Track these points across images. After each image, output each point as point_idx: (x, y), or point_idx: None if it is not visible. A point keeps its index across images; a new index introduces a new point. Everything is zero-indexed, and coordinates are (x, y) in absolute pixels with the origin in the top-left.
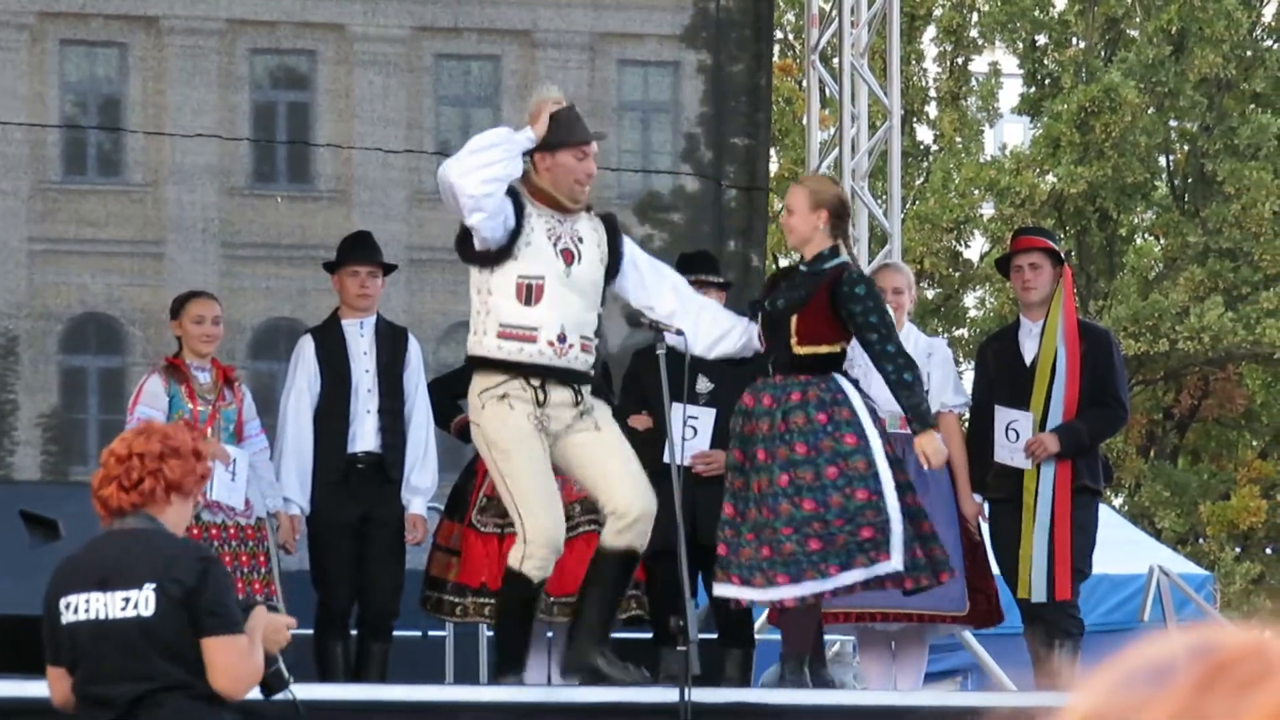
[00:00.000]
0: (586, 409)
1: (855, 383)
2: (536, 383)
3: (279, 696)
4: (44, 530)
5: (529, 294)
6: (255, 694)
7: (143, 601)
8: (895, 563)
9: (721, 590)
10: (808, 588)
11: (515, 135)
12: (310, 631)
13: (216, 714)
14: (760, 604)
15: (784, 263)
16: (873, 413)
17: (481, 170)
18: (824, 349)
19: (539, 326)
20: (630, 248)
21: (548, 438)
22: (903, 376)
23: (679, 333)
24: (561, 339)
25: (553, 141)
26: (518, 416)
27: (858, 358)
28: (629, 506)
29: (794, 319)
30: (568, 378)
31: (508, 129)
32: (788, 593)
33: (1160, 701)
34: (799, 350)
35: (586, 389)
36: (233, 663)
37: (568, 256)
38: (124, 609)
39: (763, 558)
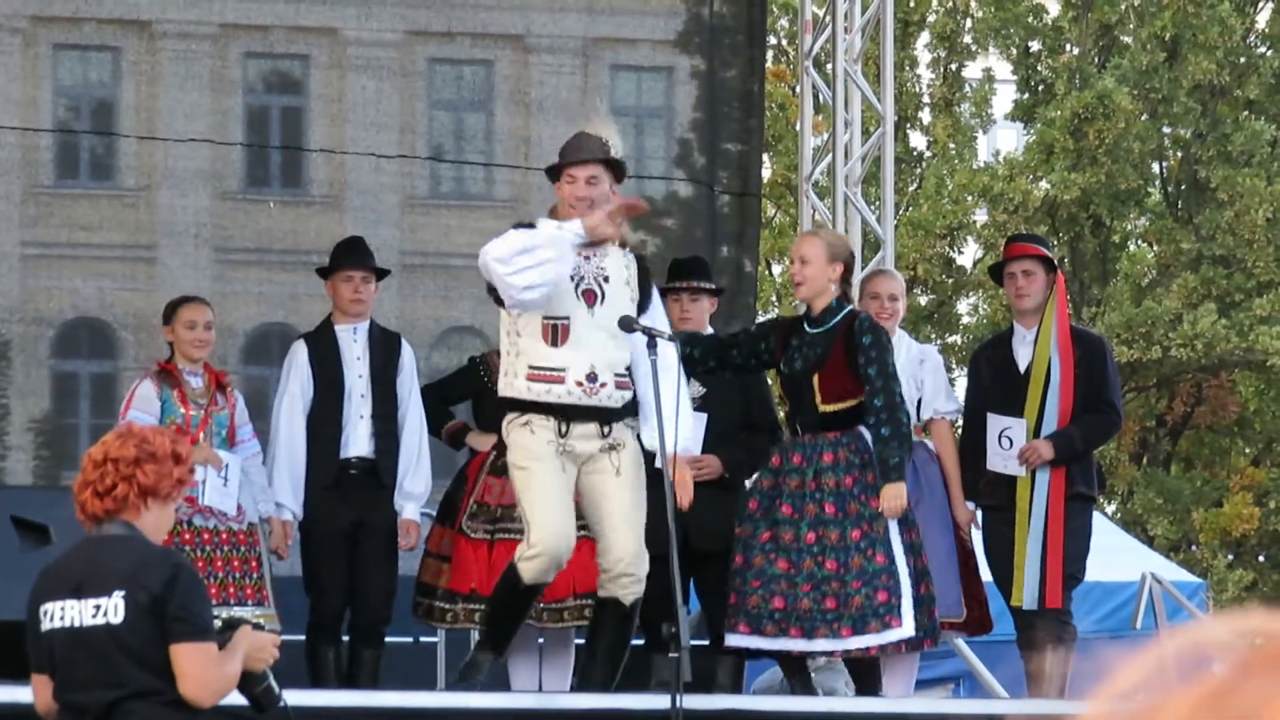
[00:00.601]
0: (615, 444)
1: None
2: (562, 419)
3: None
4: (35, 535)
5: (555, 335)
6: (237, 699)
7: (112, 609)
8: (907, 629)
9: (732, 640)
10: (820, 644)
11: (562, 233)
12: (302, 637)
13: (190, 719)
14: (769, 653)
15: (776, 269)
16: None
17: (528, 273)
18: (849, 403)
19: (567, 367)
20: (655, 298)
21: (574, 462)
22: (880, 431)
23: (671, 338)
24: (592, 378)
25: (554, 169)
26: (539, 440)
27: None
28: (615, 561)
29: (816, 378)
30: (595, 415)
31: (554, 228)
32: (798, 645)
33: (1193, 690)
34: (825, 408)
35: (618, 424)
36: (200, 669)
37: (589, 298)
38: (95, 616)
39: (774, 609)
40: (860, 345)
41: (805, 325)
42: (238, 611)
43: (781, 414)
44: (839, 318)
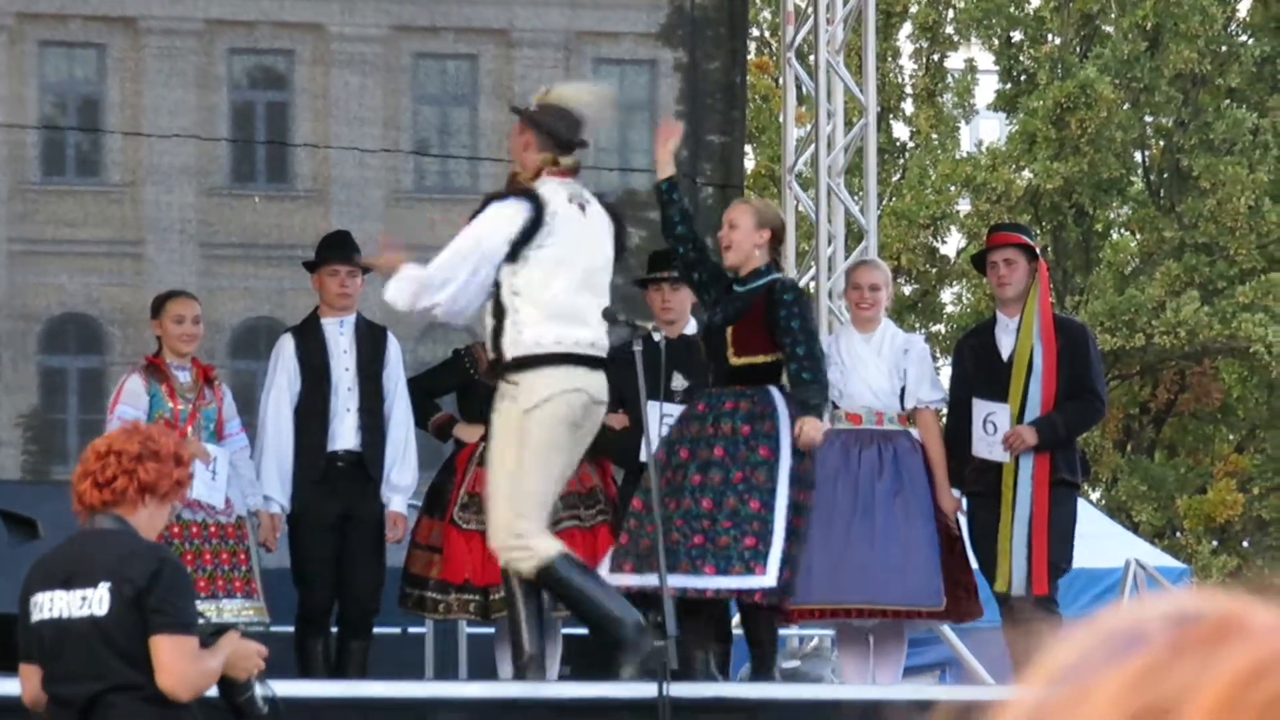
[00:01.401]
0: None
1: (790, 396)
2: None
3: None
4: (23, 529)
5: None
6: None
7: (97, 600)
8: (770, 578)
9: (616, 579)
10: (677, 581)
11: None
12: (291, 629)
13: (171, 715)
14: (633, 589)
15: None
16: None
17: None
18: (759, 359)
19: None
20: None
21: None
22: (800, 375)
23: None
24: None
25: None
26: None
27: (834, 355)
28: None
29: (730, 331)
30: None
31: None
32: (658, 581)
33: (1122, 670)
34: (735, 361)
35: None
36: (177, 662)
37: None
38: (81, 607)
39: (642, 547)
40: (781, 301)
41: (734, 285)
42: (226, 604)
43: None
44: (764, 280)
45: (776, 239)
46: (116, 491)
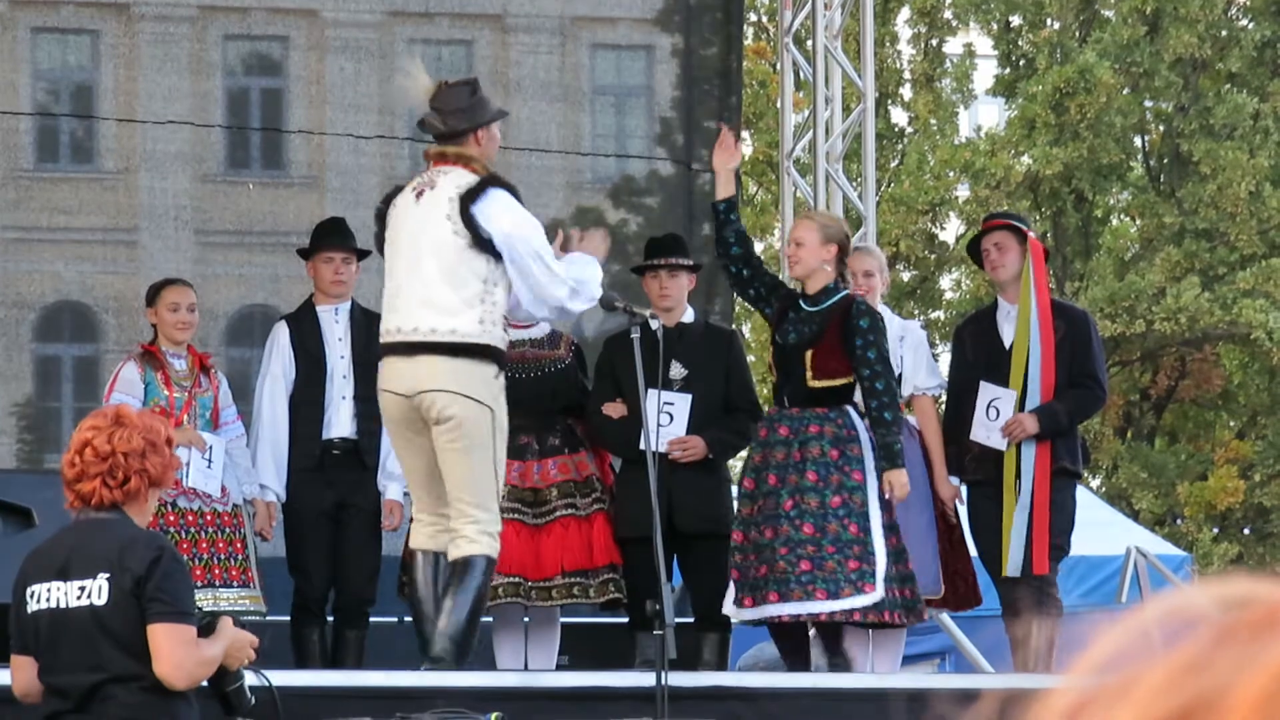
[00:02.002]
0: None
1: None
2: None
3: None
4: (18, 518)
5: (509, 289)
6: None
7: (96, 591)
8: (877, 593)
9: (737, 614)
10: (793, 607)
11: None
12: (287, 618)
13: (170, 705)
14: (749, 622)
15: (759, 246)
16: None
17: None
18: (838, 381)
19: (507, 317)
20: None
21: None
22: (883, 414)
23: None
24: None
25: (489, 118)
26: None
27: None
28: None
29: (809, 354)
30: None
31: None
32: (775, 610)
33: (1168, 657)
34: (814, 384)
35: None
36: (174, 650)
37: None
38: (80, 598)
39: (758, 576)
40: (857, 328)
41: (801, 302)
42: (223, 593)
43: (764, 392)
44: (835, 299)
45: (843, 252)
46: (130, 491)
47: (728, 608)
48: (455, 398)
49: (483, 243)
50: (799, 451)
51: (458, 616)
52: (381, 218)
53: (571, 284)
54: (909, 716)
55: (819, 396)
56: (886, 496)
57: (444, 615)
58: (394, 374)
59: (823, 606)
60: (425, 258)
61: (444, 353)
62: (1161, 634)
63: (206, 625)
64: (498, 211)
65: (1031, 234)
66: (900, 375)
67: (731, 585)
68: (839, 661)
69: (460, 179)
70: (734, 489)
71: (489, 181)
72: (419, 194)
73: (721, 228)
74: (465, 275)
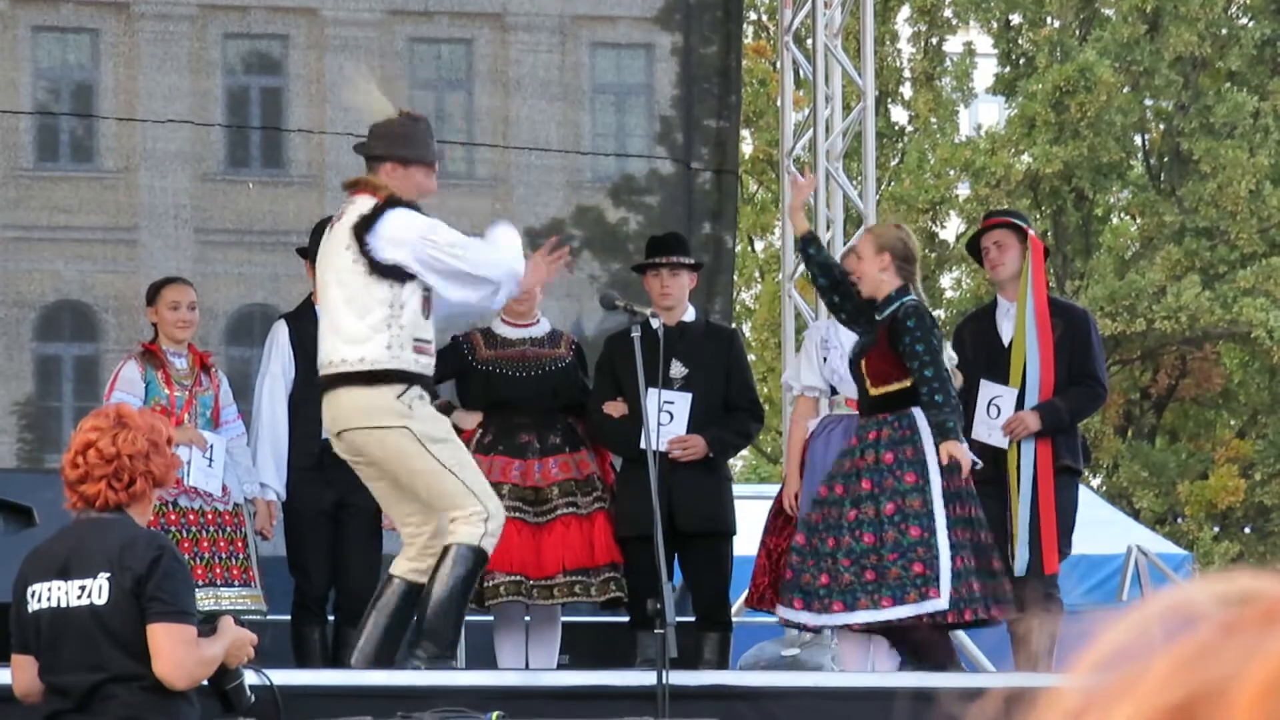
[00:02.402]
0: None
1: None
2: (430, 392)
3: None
4: (19, 517)
5: (428, 307)
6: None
7: (97, 590)
8: (943, 601)
9: (785, 614)
10: (860, 616)
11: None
12: (287, 617)
13: (170, 705)
14: (814, 628)
15: (759, 245)
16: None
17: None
18: (895, 386)
19: (432, 340)
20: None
21: None
22: (934, 398)
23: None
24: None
25: (412, 156)
26: (436, 412)
27: (833, 339)
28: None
29: (864, 363)
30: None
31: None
32: (841, 619)
33: (1171, 653)
34: (874, 392)
35: None
36: (174, 650)
37: None
38: (80, 597)
39: (820, 585)
40: (904, 328)
41: (874, 315)
42: (224, 592)
43: (765, 391)
44: (893, 306)
45: (902, 259)
46: (136, 494)
47: (781, 610)
48: (369, 433)
49: (383, 268)
50: (860, 459)
51: (440, 593)
52: (317, 233)
53: (485, 273)
54: (910, 715)
55: (881, 404)
56: (944, 464)
57: (427, 600)
58: (325, 416)
59: (890, 614)
60: (331, 287)
61: (354, 383)
62: (1163, 630)
63: (207, 625)
64: (392, 232)
65: (1032, 232)
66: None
67: (783, 584)
68: (916, 664)
69: (364, 205)
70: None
71: (385, 205)
72: (331, 224)
73: (806, 263)
74: (369, 302)
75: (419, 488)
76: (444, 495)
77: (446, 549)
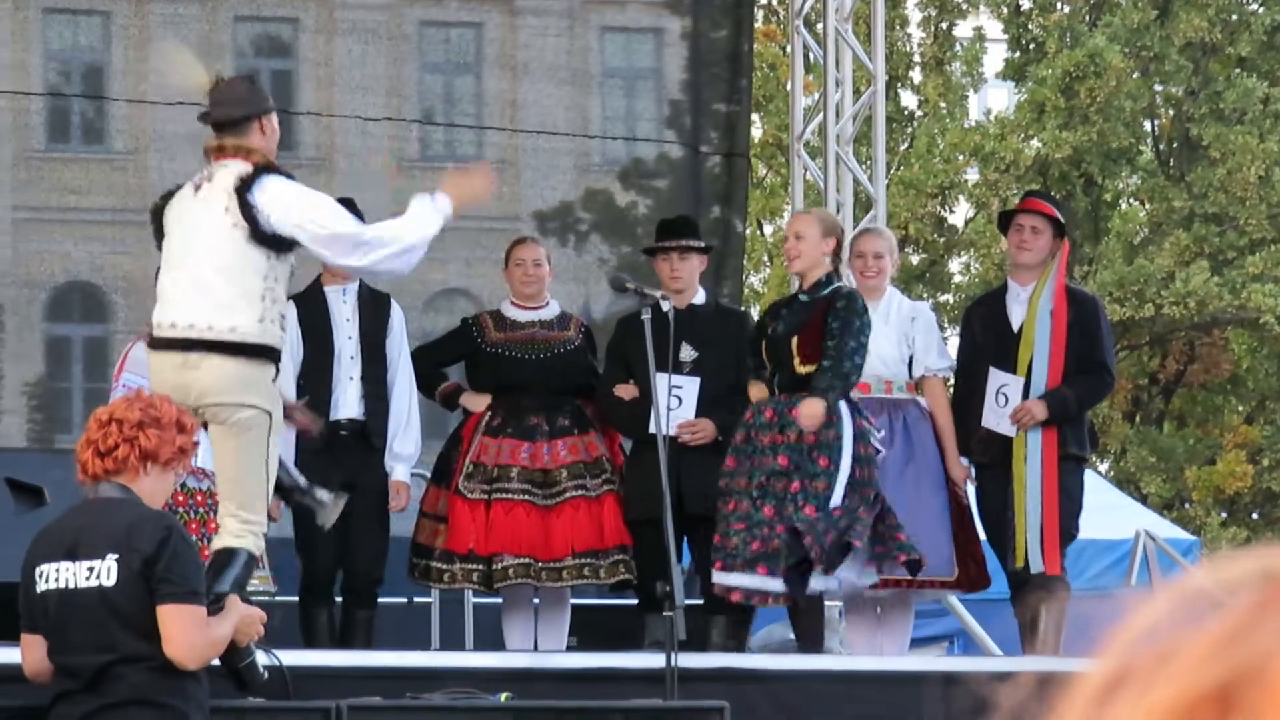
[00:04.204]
0: None
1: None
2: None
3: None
4: (30, 497)
5: (290, 282)
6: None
7: (105, 571)
8: (827, 581)
9: (718, 578)
10: (736, 579)
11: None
12: (296, 599)
13: (180, 685)
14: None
15: (769, 229)
16: (862, 435)
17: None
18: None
19: (286, 315)
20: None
21: None
22: (823, 363)
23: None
24: None
25: (268, 106)
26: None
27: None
28: None
29: (794, 341)
30: None
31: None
32: (718, 579)
33: (1207, 630)
34: (801, 370)
35: None
36: (184, 632)
37: None
38: (88, 579)
39: (752, 550)
40: (834, 309)
41: (799, 296)
42: None
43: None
44: (827, 290)
45: (838, 248)
46: (118, 460)
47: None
48: (238, 410)
49: (264, 236)
50: (780, 435)
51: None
52: (158, 214)
53: (372, 240)
54: (917, 697)
55: (806, 382)
56: (797, 420)
57: None
58: (168, 379)
59: (762, 583)
60: (202, 253)
61: (223, 352)
62: (1197, 607)
63: (215, 605)
64: (276, 193)
65: (1065, 234)
66: (911, 357)
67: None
68: (805, 642)
69: (239, 169)
70: None
71: (265, 169)
72: (197, 187)
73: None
74: (244, 270)
75: (230, 471)
76: (245, 493)
77: (234, 550)
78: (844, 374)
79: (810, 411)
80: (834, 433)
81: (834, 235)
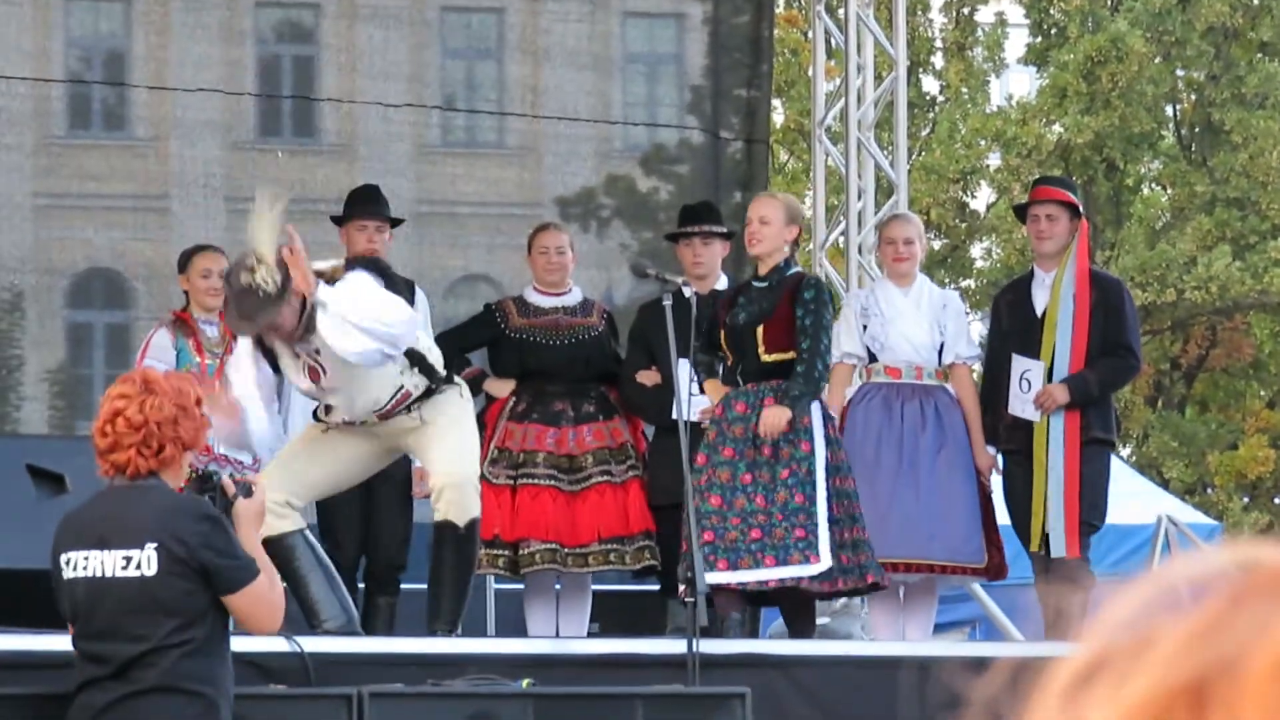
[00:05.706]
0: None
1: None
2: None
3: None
4: (51, 484)
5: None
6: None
7: (145, 561)
8: (824, 564)
9: (713, 577)
10: (742, 575)
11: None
12: None
13: (208, 669)
14: (730, 585)
15: None
16: (829, 420)
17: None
18: (790, 354)
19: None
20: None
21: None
22: (795, 368)
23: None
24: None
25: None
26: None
27: (873, 307)
28: (434, 479)
29: (760, 329)
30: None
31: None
32: (720, 578)
33: (1182, 622)
34: (767, 358)
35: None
36: (256, 609)
37: (314, 374)
38: (125, 568)
39: (705, 542)
40: (801, 299)
41: (753, 282)
42: None
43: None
44: (787, 275)
45: (798, 236)
46: (166, 460)
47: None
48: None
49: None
50: (756, 425)
51: None
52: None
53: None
54: (941, 684)
55: (773, 370)
56: (756, 426)
57: None
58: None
59: (771, 573)
60: None
61: None
62: (1175, 597)
63: (201, 477)
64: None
65: (1083, 215)
66: (942, 344)
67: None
68: (803, 629)
69: None
70: None
71: None
72: None
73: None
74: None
75: None
76: None
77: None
78: (815, 380)
79: (773, 421)
80: (808, 418)
81: (796, 223)
